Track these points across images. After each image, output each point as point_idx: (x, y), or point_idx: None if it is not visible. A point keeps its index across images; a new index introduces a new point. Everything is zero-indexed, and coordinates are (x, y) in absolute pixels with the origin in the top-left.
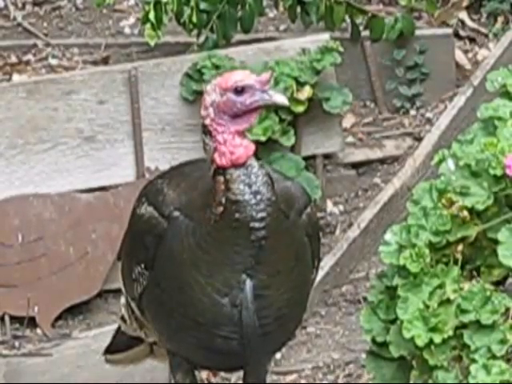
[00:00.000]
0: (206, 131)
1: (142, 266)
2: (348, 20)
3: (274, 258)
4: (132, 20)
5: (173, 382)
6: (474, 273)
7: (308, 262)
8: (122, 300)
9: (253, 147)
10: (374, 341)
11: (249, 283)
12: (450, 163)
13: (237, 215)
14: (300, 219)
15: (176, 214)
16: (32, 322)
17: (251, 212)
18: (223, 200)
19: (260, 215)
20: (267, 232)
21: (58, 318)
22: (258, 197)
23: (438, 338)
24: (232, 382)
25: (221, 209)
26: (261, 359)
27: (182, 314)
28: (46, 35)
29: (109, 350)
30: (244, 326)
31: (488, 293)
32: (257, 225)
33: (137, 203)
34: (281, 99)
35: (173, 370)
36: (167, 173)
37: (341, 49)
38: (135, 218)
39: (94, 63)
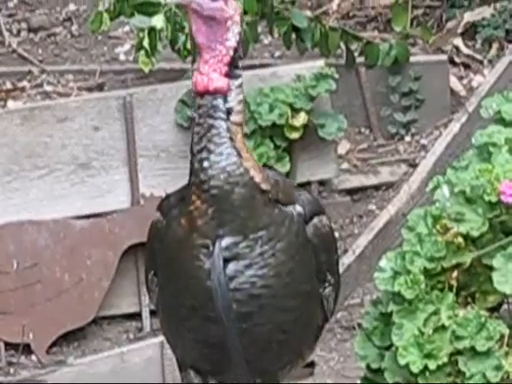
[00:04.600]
0: None
1: (152, 272)
2: (343, 46)
3: (241, 224)
4: (127, 47)
5: None
6: (469, 299)
7: (304, 263)
8: None
9: (220, 84)
10: (368, 367)
11: (218, 245)
12: (445, 190)
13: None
14: (304, 226)
15: (173, 211)
16: (27, 349)
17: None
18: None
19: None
20: (224, 193)
21: (53, 344)
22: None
23: (432, 365)
24: None
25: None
26: (248, 355)
27: (179, 304)
28: (41, 62)
29: None
30: (214, 289)
31: (483, 319)
32: (207, 183)
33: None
34: None
35: None
36: None
37: (336, 75)
38: (149, 228)
39: (89, 90)
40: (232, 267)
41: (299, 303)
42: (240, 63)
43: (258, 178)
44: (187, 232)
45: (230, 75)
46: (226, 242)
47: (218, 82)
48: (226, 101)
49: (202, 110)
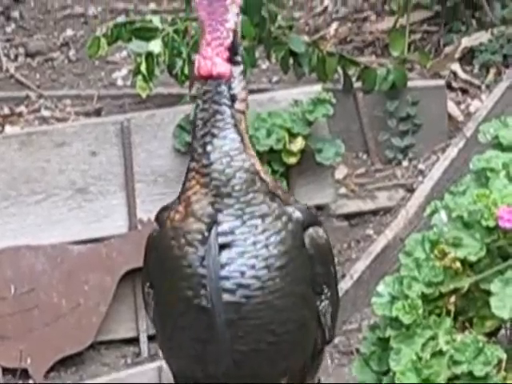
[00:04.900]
0: None
1: (148, 284)
2: (340, 71)
3: (239, 209)
4: (124, 71)
5: None
6: (467, 324)
7: (298, 266)
8: None
9: (223, 69)
10: None
11: (214, 231)
12: (443, 214)
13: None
14: (301, 232)
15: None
16: (25, 374)
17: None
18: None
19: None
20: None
21: (51, 369)
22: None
23: None
24: None
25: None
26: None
27: (173, 299)
28: (38, 87)
29: None
30: (208, 277)
31: (481, 344)
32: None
33: None
34: None
35: None
36: None
37: (333, 100)
38: (146, 242)
39: (87, 115)
40: (225, 255)
41: (290, 304)
42: (240, 50)
43: (259, 167)
44: (183, 217)
45: (231, 61)
46: (222, 227)
47: (221, 67)
48: (230, 88)
49: (207, 96)
